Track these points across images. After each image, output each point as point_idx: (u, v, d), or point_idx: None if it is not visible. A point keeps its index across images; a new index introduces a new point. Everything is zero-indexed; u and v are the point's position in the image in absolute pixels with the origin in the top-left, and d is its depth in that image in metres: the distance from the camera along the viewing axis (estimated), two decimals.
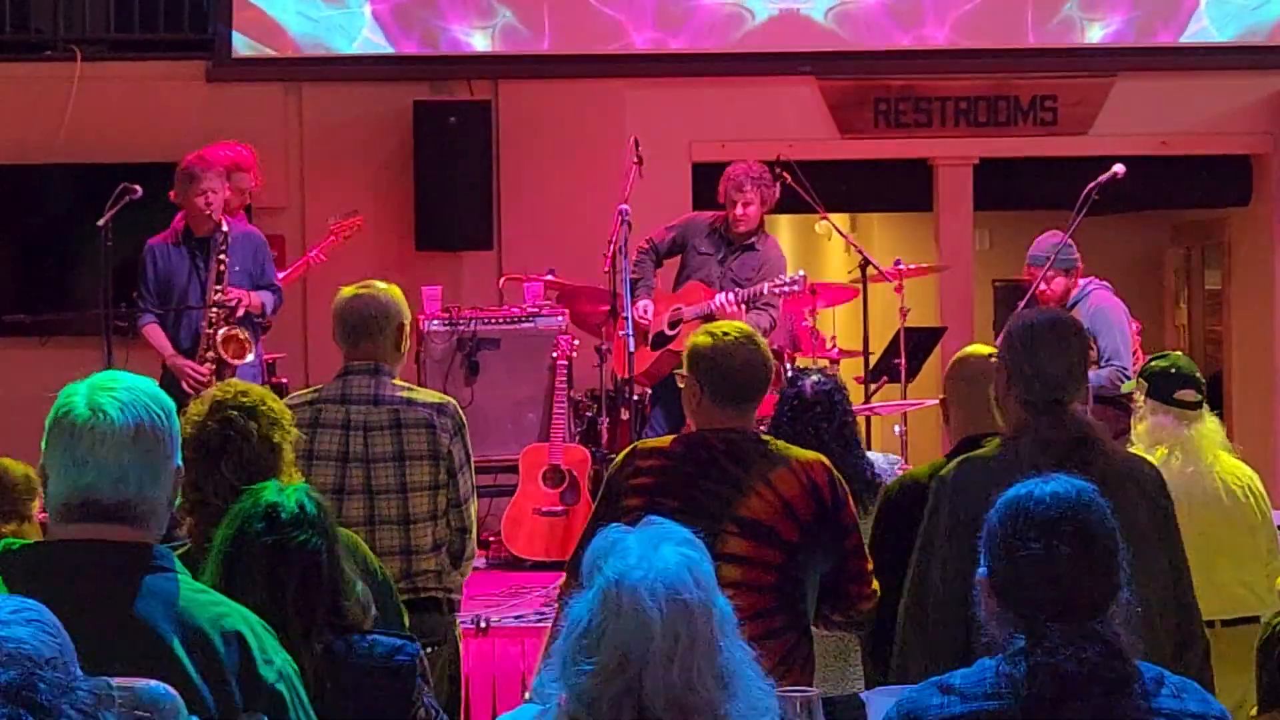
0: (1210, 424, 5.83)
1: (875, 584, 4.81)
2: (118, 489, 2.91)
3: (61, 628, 2.31)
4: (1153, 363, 6.02)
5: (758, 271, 9.19)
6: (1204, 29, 11.29)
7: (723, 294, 9.02)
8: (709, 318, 9.03)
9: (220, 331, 8.45)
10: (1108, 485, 3.25)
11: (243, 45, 10.87)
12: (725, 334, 4.77)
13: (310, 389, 5.78)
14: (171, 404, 3.02)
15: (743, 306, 8.93)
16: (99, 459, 2.90)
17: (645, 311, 9.14)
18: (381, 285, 5.66)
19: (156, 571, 2.91)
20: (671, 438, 4.95)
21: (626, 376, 8.80)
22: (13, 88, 10.74)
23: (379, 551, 5.08)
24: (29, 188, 10.79)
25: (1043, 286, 8.89)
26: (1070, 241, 8.79)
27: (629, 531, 2.82)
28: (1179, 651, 4.28)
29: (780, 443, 4.85)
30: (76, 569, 2.88)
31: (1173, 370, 5.87)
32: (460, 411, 5.65)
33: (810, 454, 4.81)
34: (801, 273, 9.26)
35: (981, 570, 3.09)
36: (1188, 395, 5.80)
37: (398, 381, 5.62)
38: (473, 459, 5.67)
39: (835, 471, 4.78)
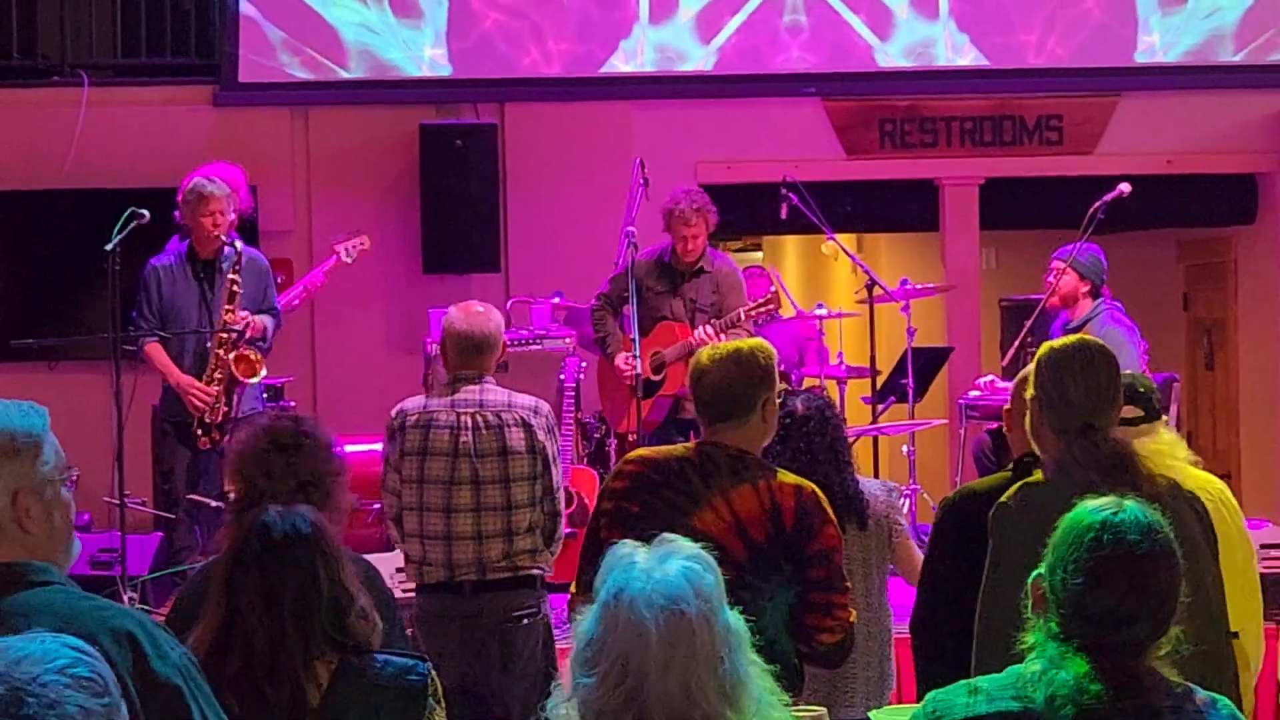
0: (1165, 438, 5.75)
1: (849, 614, 4.69)
2: None
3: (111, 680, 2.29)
4: None
5: (716, 292, 9.16)
6: (1152, 46, 11.28)
7: (700, 328, 8.97)
8: (691, 355, 8.99)
9: (232, 354, 8.47)
10: (1160, 504, 3.28)
11: (288, 61, 10.88)
12: (712, 354, 4.81)
13: (422, 396, 6.52)
14: (38, 427, 2.98)
15: (722, 335, 8.80)
16: None
17: (626, 363, 9.09)
18: (480, 307, 6.37)
19: (36, 586, 2.89)
20: (668, 447, 4.96)
21: (634, 429, 8.96)
22: (20, 113, 10.76)
23: (485, 535, 6.23)
24: (36, 213, 10.79)
25: (1050, 279, 8.91)
26: (1104, 262, 8.84)
27: (640, 547, 2.83)
28: (1212, 662, 4.26)
29: (772, 465, 4.78)
30: None
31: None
32: (552, 413, 6.44)
33: (792, 478, 4.71)
34: (772, 289, 9.29)
35: (1038, 572, 3.13)
36: (1128, 412, 5.74)
37: (498, 388, 6.36)
38: (561, 454, 6.47)
39: (814, 499, 4.66)
